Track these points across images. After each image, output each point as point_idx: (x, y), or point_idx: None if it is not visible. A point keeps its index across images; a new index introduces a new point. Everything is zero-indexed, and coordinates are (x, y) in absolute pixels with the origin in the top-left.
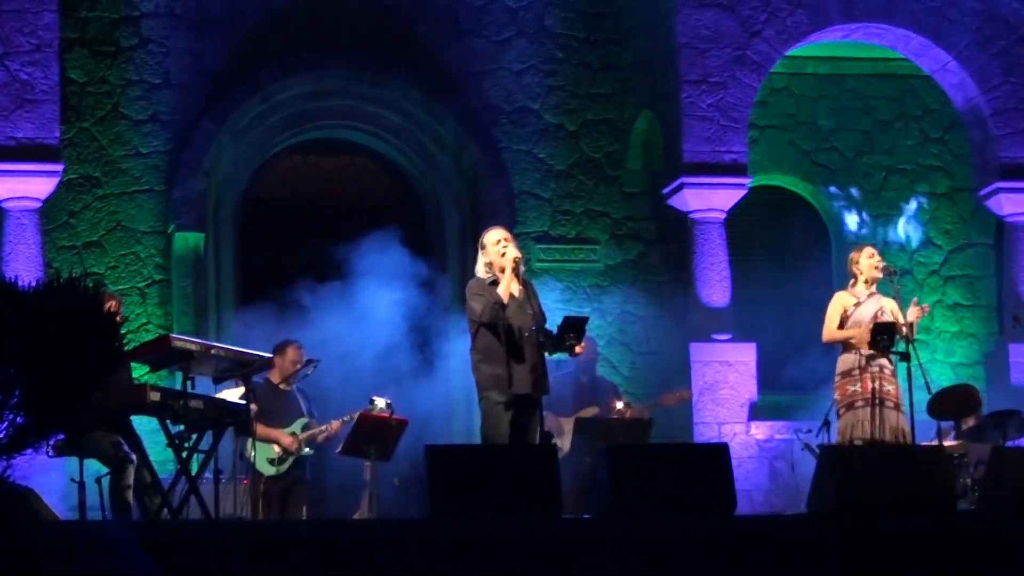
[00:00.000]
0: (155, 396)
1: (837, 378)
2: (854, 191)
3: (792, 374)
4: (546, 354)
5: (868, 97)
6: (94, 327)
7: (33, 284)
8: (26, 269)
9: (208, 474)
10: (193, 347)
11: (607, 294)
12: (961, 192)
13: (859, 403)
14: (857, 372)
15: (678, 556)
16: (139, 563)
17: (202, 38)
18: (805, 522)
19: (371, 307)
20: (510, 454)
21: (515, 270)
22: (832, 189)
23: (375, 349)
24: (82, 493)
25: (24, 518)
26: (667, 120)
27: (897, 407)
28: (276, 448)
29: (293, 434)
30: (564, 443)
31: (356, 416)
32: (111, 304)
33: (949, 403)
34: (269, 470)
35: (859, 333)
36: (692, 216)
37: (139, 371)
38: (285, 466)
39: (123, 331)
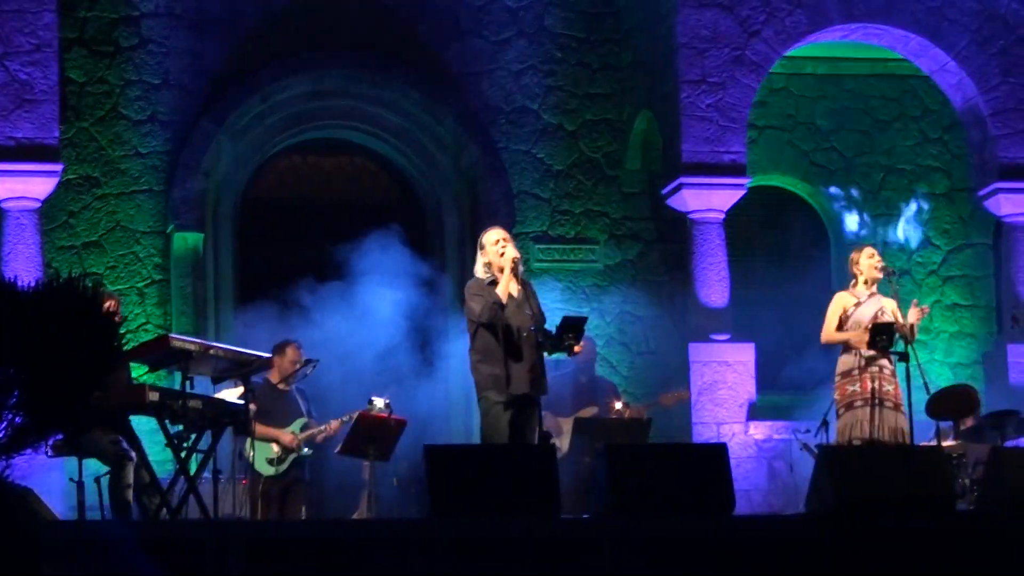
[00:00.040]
0: (154, 396)
1: (837, 378)
2: (854, 191)
3: (791, 374)
4: (545, 354)
5: (867, 97)
6: (93, 327)
7: (32, 284)
8: (25, 269)
9: (207, 474)
10: (192, 347)
11: (606, 294)
12: (960, 192)
13: (858, 403)
14: (856, 372)
15: (677, 556)
16: (139, 563)
17: (201, 38)
18: (803, 522)
19: (371, 307)
20: (509, 454)
21: (514, 270)
22: (832, 190)
23: (374, 349)
24: (81, 493)
25: (24, 518)
26: (666, 120)
27: (896, 407)
28: (275, 448)
29: (292, 433)
30: (563, 443)
31: (355, 416)
32: (110, 304)
33: (948, 403)
34: (268, 470)
35: (855, 335)
36: (691, 216)
37: (138, 371)
38: (284, 466)
39: (122, 331)
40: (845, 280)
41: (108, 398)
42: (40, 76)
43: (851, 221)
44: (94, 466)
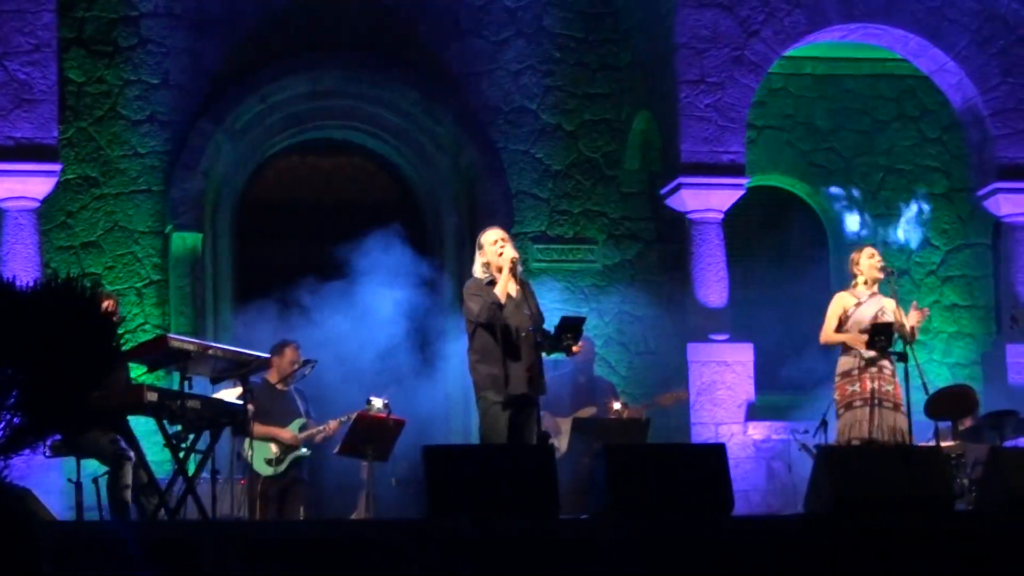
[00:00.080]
0: (152, 396)
1: (836, 379)
2: (855, 191)
3: (790, 374)
4: (543, 354)
5: (866, 97)
6: (91, 327)
7: (31, 284)
8: (24, 269)
9: (205, 474)
10: (190, 347)
11: (605, 294)
12: (959, 192)
13: (858, 403)
14: (856, 372)
15: (675, 556)
16: (137, 563)
17: (200, 38)
18: (802, 522)
19: (370, 307)
20: (507, 454)
21: (512, 270)
22: (832, 190)
23: (374, 349)
24: (79, 493)
25: (22, 519)
26: (665, 120)
27: (896, 407)
28: (274, 448)
29: (292, 432)
30: (561, 443)
31: (353, 416)
32: (108, 304)
33: (946, 404)
34: (267, 470)
35: (852, 337)
36: (690, 216)
37: (136, 371)
38: (283, 466)
39: (120, 331)
40: (844, 280)
41: (107, 398)
42: (39, 76)
43: (851, 221)
44: (92, 466)
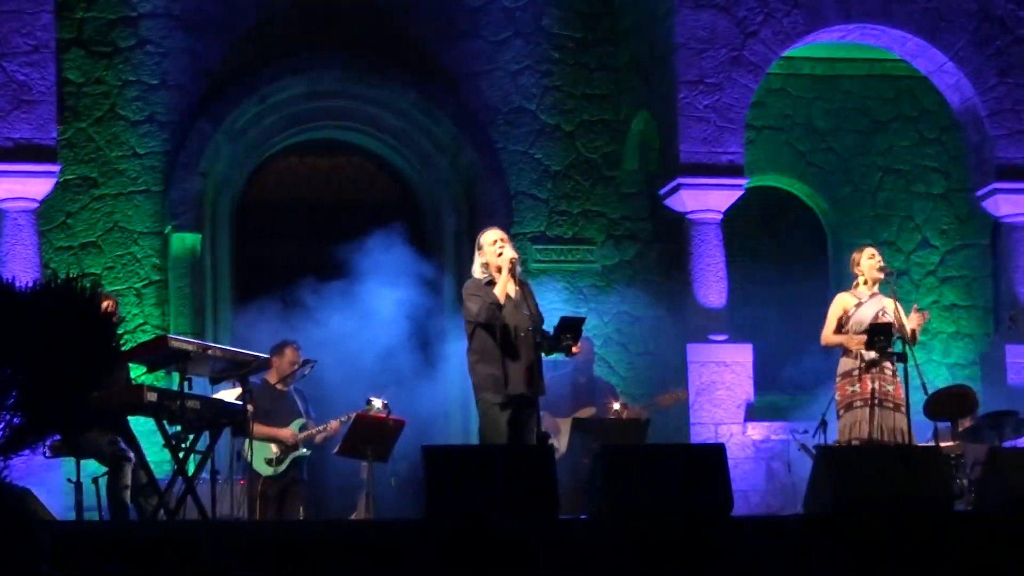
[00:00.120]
0: (152, 397)
1: (837, 379)
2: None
3: (789, 375)
4: (543, 355)
5: (864, 98)
6: (91, 327)
7: (30, 284)
8: (23, 270)
9: (205, 475)
10: (190, 348)
11: (604, 294)
12: (957, 193)
13: (858, 403)
14: (857, 373)
15: (675, 557)
16: None
17: (199, 39)
18: (801, 523)
19: (370, 307)
20: (507, 455)
21: (512, 271)
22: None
23: (374, 349)
24: (79, 493)
25: (22, 519)
26: (664, 121)
27: (897, 407)
28: (274, 448)
29: (292, 431)
30: (561, 443)
31: (353, 416)
32: (107, 304)
33: (946, 404)
34: (267, 470)
35: (848, 340)
36: (689, 217)
37: (136, 372)
38: (283, 467)
39: (120, 331)
40: (843, 280)
41: (107, 398)
42: (38, 77)
43: None
44: (92, 467)
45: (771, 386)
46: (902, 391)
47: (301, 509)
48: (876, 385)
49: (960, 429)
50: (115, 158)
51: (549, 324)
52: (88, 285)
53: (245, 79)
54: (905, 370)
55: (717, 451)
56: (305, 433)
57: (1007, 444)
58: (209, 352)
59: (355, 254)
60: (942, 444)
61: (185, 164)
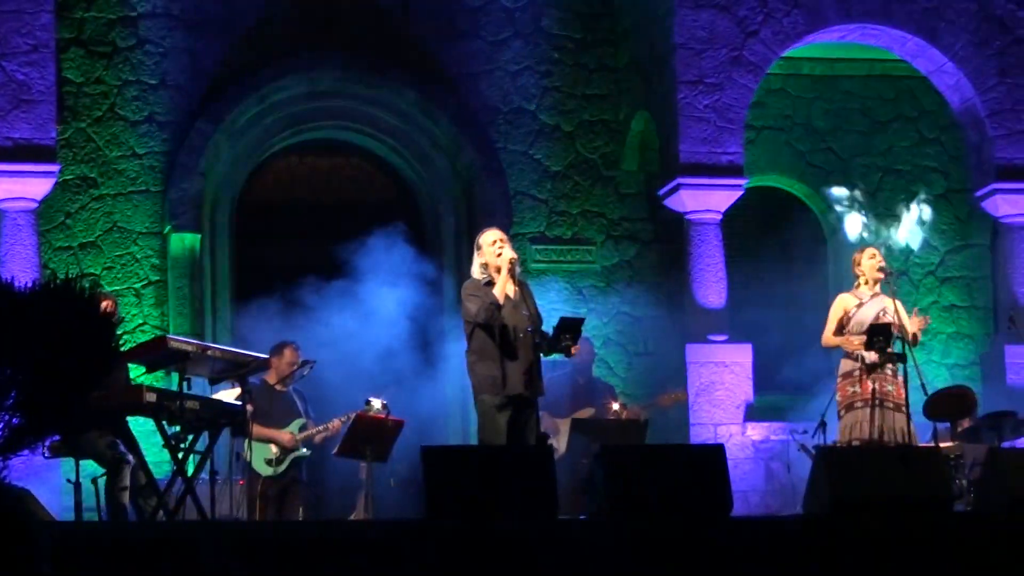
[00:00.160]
0: (151, 397)
1: (838, 379)
2: (857, 193)
3: (788, 375)
4: (542, 355)
5: (864, 98)
6: (90, 328)
7: (29, 285)
8: (22, 270)
9: (204, 475)
10: (189, 348)
11: (603, 295)
12: (957, 193)
13: (858, 404)
14: (858, 373)
15: (674, 557)
16: None
17: (199, 39)
18: (801, 523)
19: (370, 307)
20: (506, 455)
21: (511, 271)
22: (833, 193)
23: (373, 350)
24: (78, 494)
25: (21, 519)
26: (663, 121)
27: (898, 408)
28: (273, 448)
29: (291, 434)
30: (560, 444)
31: (353, 416)
32: (107, 304)
33: (945, 404)
34: (266, 471)
35: (847, 343)
36: (688, 217)
37: (135, 372)
38: (282, 467)
39: (119, 332)
40: (842, 280)
41: (106, 399)
42: (37, 76)
43: (852, 224)
44: (91, 467)
45: (770, 386)
46: (903, 391)
47: (300, 509)
48: (877, 385)
49: (959, 430)
50: (114, 158)
51: (548, 325)
52: (87, 285)
53: (245, 79)
54: (905, 370)
55: (716, 451)
56: (305, 433)
57: (1006, 445)
58: (208, 352)
59: (355, 254)
60: (941, 444)
61: (184, 164)
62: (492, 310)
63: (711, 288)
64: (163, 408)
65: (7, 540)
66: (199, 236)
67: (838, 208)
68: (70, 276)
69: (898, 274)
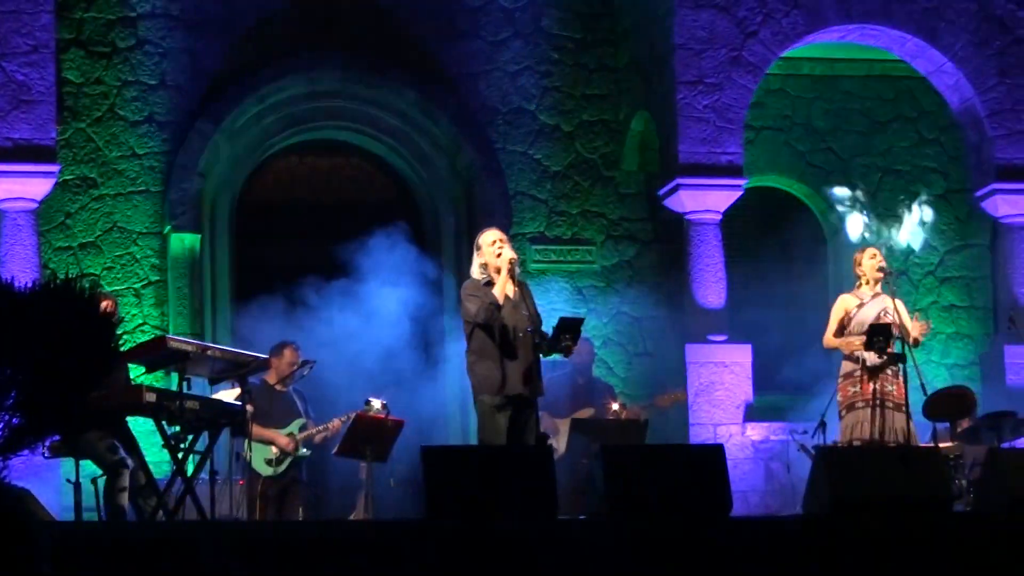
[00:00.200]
0: (151, 397)
1: (839, 380)
2: (860, 194)
3: (788, 375)
4: (541, 355)
5: (864, 98)
6: (90, 328)
7: (29, 285)
8: (22, 270)
9: (204, 475)
10: (189, 348)
11: (603, 295)
12: (957, 193)
13: (859, 404)
14: (859, 373)
15: (674, 558)
16: None
17: (199, 39)
18: (800, 523)
19: (369, 308)
20: (506, 455)
21: (511, 271)
22: (834, 193)
23: (373, 350)
24: (78, 494)
25: (21, 519)
26: (663, 121)
27: (899, 408)
28: (274, 449)
29: (291, 434)
30: (560, 444)
31: (353, 416)
32: (106, 305)
33: (945, 404)
34: (267, 471)
35: (846, 345)
36: (688, 217)
37: (135, 372)
38: (283, 467)
39: (119, 332)
40: (842, 280)
41: (106, 399)
42: (37, 77)
43: (853, 225)
44: (91, 467)
45: (770, 386)
46: (903, 391)
47: (300, 509)
48: (878, 386)
49: (959, 430)
50: (114, 158)
51: (548, 325)
52: (87, 285)
53: (244, 79)
54: (905, 370)
55: (716, 452)
56: (305, 433)
57: (1006, 445)
58: (208, 352)
59: (355, 254)
60: (941, 445)
61: (184, 164)
62: (492, 310)
63: (711, 288)
64: (163, 408)
65: (7, 540)
66: (199, 236)
67: (840, 208)
68: (70, 276)
69: (898, 274)
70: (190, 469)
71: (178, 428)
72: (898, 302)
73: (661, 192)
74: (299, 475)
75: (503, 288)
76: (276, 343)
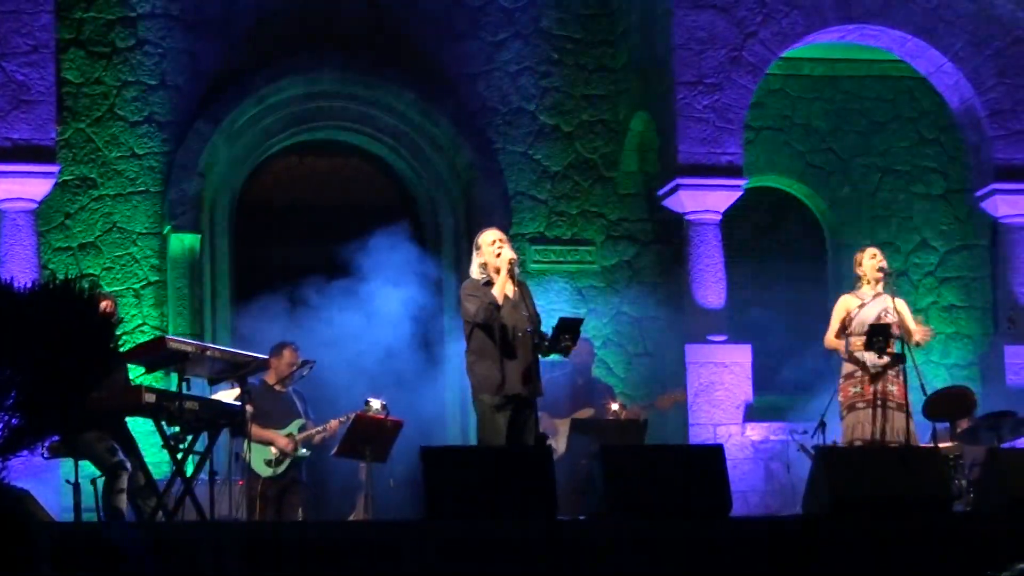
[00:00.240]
0: (150, 398)
1: (840, 380)
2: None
3: (788, 375)
4: (540, 355)
5: (863, 98)
6: (89, 328)
7: (29, 285)
8: (22, 270)
9: (203, 475)
10: (189, 348)
11: (603, 295)
12: (956, 193)
13: (860, 404)
14: (859, 374)
15: (673, 558)
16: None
17: (198, 39)
18: (800, 523)
19: (369, 308)
20: (505, 456)
21: (510, 271)
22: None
23: (374, 350)
24: (77, 494)
25: (21, 519)
26: (662, 121)
27: (899, 408)
28: (273, 449)
29: (290, 435)
30: (559, 444)
31: (352, 417)
32: (106, 305)
33: (944, 405)
34: (266, 471)
35: (843, 347)
36: (687, 217)
37: (135, 372)
38: (282, 468)
39: (118, 332)
40: (842, 281)
41: (105, 399)
42: (37, 77)
43: None
44: (90, 468)
45: (770, 387)
46: (904, 391)
47: (300, 510)
48: (879, 386)
49: (958, 430)
50: (114, 159)
51: (548, 325)
52: (87, 286)
53: (244, 79)
54: (904, 370)
55: (716, 452)
56: (304, 434)
57: (1005, 445)
58: (207, 353)
59: (354, 255)
60: (941, 445)
61: (184, 165)
62: (491, 310)
63: (710, 288)
64: (162, 408)
65: (7, 540)
66: (198, 236)
67: None
68: (69, 276)
69: (897, 274)
70: (189, 470)
71: (177, 429)
72: (900, 301)
73: (661, 192)
74: (299, 476)
75: (503, 288)
76: (275, 344)
